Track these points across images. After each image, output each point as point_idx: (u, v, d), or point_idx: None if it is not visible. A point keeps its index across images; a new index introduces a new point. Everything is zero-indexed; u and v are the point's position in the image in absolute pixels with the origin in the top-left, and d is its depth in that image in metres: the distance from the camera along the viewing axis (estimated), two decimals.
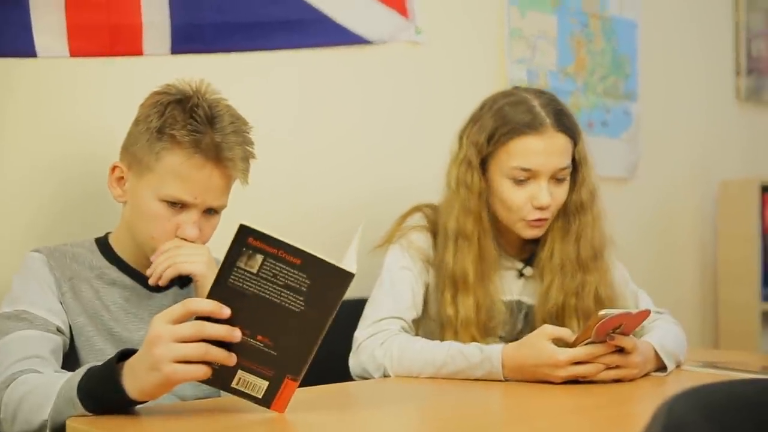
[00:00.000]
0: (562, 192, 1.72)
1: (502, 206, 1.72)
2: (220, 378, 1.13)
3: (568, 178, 1.73)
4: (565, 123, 1.69)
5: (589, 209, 1.76)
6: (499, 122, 1.69)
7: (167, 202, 1.44)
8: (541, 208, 1.69)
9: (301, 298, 1.10)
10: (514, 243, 1.79)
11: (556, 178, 1.70)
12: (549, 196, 1.68)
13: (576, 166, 1.75)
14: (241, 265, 1.08)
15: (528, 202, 1.69)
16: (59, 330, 1.41)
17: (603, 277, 1.75)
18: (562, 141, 1.69)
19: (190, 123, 1.41)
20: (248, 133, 1.49)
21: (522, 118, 1.67)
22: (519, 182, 1.69)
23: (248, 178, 1.50)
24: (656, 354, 1.60)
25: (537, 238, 1.76)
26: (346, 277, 1.09)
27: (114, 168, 1.50)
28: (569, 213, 1.75)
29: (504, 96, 1.74)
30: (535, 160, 1.67)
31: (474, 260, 1.70)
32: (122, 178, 1.49)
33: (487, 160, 1.72)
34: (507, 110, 1.69)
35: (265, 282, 1.09)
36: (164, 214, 1.44)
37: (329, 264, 1.09)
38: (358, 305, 1.71)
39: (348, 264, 1.10)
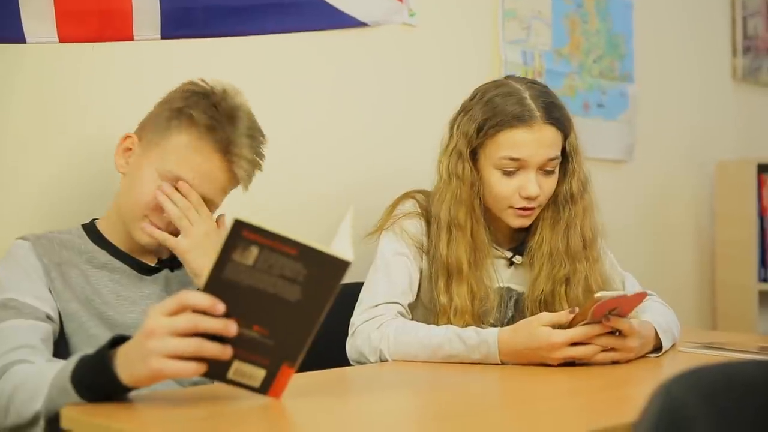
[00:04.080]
0: (551, 183, 1.72)
1: (491, 196, 1.72)
2: (215, 370, 1.12)
3: (557, 169, 1.73)
4: (554, 115, 1.69)
5: (579, 200, 1.77)
6: (489, 114, 1.69)
7: (166, 178, 1.46)
8: (529, 198, 1.69)
9: (298, 288, 1.09)
10: (504, 232, 1.80)
11: (544, 170, 1.70)
12: (537, 186, 1.68)
13: (566, 157, 1.75)
14: (236, 258, 1.06)
15: (516, 192, 1.69)
16: (48, 317, 1.41)
17: (593, 266, 1.76)
18: (551, 133, 1.68)
19: (213, 112, 1.46)
20: (263, 143, 1.54)
21: (512, 110, 1.67)
22: (508, 173, 1.69)
23: (249, 184, 1.54)
24: (655, 334, 1.60)
25: (525, 227, 1.76)
26: (343, 265, 1.08)
27: (126, 137, 1.53)
28: (559, 203, 1.76)
29: (495, 86, 1.74)
30: (523, 150, 1.67)
31: (467, 249, 1.70)
32: (130, 149, 1.52)
33: (476, 150, 1.72)
34: (497, 102, 1.69)
35: (260, 274, 1.07)
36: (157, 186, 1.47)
37: (325, 254, 1.07)
38: (353, 290, 1.70)
39: (343, 252, 1.09)
